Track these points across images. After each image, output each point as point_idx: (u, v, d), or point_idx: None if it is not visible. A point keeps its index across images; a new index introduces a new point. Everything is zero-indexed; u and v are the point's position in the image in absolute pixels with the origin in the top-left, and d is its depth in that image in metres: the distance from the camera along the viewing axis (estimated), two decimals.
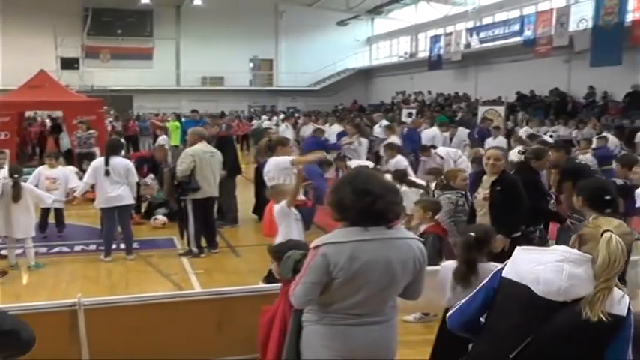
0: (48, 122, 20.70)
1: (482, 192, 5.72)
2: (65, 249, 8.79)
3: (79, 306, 4.12)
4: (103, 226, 8.42)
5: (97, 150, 12.82)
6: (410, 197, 6.90)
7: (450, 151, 11.87)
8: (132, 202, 8.34)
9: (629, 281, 4.29)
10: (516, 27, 24.43)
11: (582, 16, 20.70)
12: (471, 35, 27.94)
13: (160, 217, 10.07)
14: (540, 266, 2.42)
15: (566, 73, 22.91)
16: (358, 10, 35.74)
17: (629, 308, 2.36)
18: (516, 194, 5.57)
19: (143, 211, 10.47)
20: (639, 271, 4.87)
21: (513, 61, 24.99)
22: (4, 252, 7.94)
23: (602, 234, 2.36)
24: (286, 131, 18.48)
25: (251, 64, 38.68)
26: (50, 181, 9.02)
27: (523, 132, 15.06)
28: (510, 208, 5.48)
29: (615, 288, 2.33)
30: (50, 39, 31.74)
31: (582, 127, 17.18)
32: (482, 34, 27.27)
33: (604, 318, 2.27)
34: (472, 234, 3.95)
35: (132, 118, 23.40)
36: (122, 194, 7.98)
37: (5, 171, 8.15)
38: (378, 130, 16.07)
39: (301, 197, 6.93)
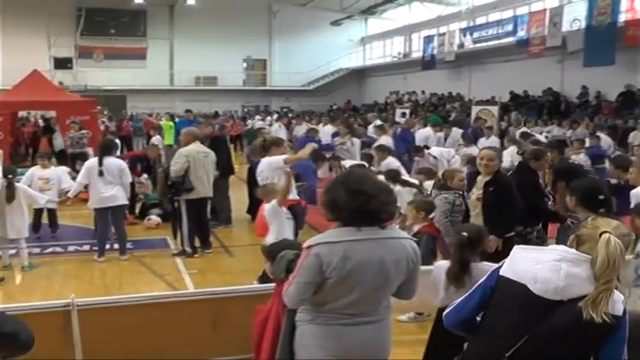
0: (41, 122, 20.61)
1: (476, 192, 5.74)
2: (59, 249, 8.76)
3: (72, 306, 4.10)
4: (97, 226, 8.38)
5: (89, 150, 12.78)
6: (404, 197, 6.90)
7: (444, 151, 11.90)
8: (125, 202, 8.32)
9: (623, 280, 4.29)
10: (510, 27, 24.51)
11: (575, 16, 20.75)
12: (465, 35, 28.01)
13: (154, 218, 10.06)
14: (538, 265, 2.42)
15: (560, 73, 22.99)
16: (352, 11, 35.73)
17: (624, 308, 2.37)
18: (509, 195, 5.57)
19: (137, 211, 10.45)
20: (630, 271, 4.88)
21: (507, 61, 25.06)
22: None
23: (600, 235, 2.36)
24: (279, 131, 18.48)
25: (244, 64, 38.66)
26: (43, 182, 8.98)
27: (520, 133, 15.04)
28: (504, 209, 5.48)
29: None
30: (44, 39, 31.63)
31: (576, 127, 17.21)
32: (475, 34, 27.35)
33: (607, 319, 2.27)
34: (464, 234, 3.95)
35: (125, 118, 23.35)
36: (116, 194, 7.96)
37: None
38: (372, 130, 16.07)
39: (295, 196, 6.94)
